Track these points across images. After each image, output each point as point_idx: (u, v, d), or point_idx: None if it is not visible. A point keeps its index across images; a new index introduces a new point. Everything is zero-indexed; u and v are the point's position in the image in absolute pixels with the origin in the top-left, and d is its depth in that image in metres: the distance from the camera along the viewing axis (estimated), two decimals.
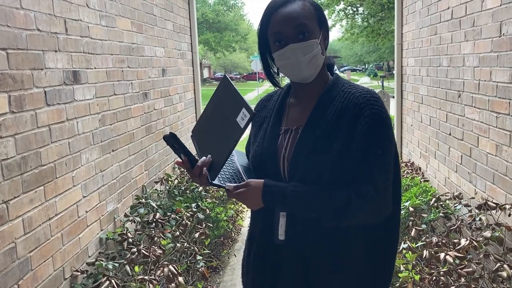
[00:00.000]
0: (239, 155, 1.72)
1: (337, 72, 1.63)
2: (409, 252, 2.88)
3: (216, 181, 1.44)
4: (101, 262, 2.82)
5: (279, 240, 1.49)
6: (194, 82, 6.02)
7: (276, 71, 1.61)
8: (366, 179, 1.40)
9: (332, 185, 1.42)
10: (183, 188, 4.51)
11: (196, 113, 6.06)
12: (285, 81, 1.71)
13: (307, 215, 1.46)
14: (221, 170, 1.49)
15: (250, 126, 1.69)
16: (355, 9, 18.69)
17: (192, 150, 1.59)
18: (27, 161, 2.33)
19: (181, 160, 1.48)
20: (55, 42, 2.64)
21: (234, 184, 1.47)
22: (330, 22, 19.04)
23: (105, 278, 2.61)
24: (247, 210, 5.42)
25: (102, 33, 3.29)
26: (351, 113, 1.44)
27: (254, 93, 30.65)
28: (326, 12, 18.43)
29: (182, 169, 4.77)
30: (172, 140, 1.43)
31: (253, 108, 1.71)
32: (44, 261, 2.46)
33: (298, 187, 1.44)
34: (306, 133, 1.49)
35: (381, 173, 1.42)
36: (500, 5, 2.94)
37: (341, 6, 18.39)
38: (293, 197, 1.43)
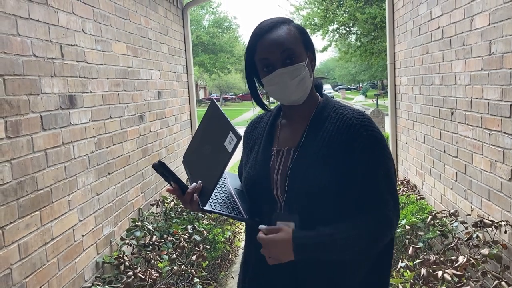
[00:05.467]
0: (232, 178, 1.71)
1: (326, 93, 1.64)
2: (407, 271, 2.87)
3: (207, 207, 1.42)
4: (98, 286, 2.80)
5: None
6: (189, 104, 6.06)
7: (265, 95, 1.63)
8: (381, 202, 1.43)
9: (347, 215, 1.43)
10: (179, 210, 4.49)
11: (192, 134, 6.07)
12: (274, 103, 1.72)
13: (343, 256, 1.43)
14: (213, 195, 1.48)
15: (241, 148, 1.69)
16: (348, 29, 18.90)
17: (185, 175, 1.58)
18: (23, 186, 2.33)
19: (171, 187, 1.47)
20: (51, 67, 2.67)
21: (265, 227, 1.41)
22: (325, 42, 19.22)
23: None
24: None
25: (98, 57, 3.32)
26: (346, 134, 1.44)
27: (249, 113, 30.73)
28: (319, 33, 18.62)
29: None
30: (161, 168, 1.41)
31: (244, 130, 1.72)
32: (40, 287, 2.44)
33: (327, 230, 1.39)
34: (301, 154, 1.48)
35: (392, 195, 1.45)
36: (489, 24, 3.00)
37: (334, 26, 18.59)
38: (331, 242, 1.38)
